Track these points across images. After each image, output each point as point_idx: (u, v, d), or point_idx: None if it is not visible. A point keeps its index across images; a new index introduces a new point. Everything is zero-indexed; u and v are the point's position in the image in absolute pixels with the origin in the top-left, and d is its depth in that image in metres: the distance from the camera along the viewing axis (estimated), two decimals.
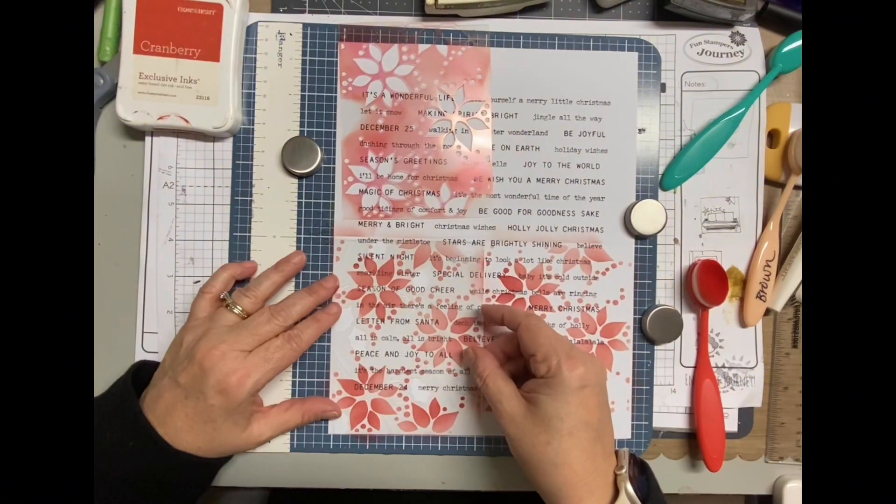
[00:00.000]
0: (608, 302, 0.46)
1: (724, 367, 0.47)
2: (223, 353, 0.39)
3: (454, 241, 0.46)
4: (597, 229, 0.47)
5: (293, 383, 0.46)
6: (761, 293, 0.46)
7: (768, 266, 0.46)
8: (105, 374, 0.44)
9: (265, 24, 0.46)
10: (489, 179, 0.46)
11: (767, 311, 0.47)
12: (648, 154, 0.47)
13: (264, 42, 0.46)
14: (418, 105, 0.46)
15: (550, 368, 0.37)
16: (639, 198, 0.46)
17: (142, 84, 0.43)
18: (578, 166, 0.47)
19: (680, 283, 0.47)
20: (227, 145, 0.46)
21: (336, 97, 0.46)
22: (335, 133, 0.46)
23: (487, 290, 0.46)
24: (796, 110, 0.47)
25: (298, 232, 0.46)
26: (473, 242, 0.46)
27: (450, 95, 0.46)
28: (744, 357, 0.47)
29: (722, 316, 0.47)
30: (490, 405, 0.40)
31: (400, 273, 0.46)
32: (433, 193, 0.46)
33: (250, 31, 0.45)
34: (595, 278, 0.46)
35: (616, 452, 0.39)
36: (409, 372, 0.46)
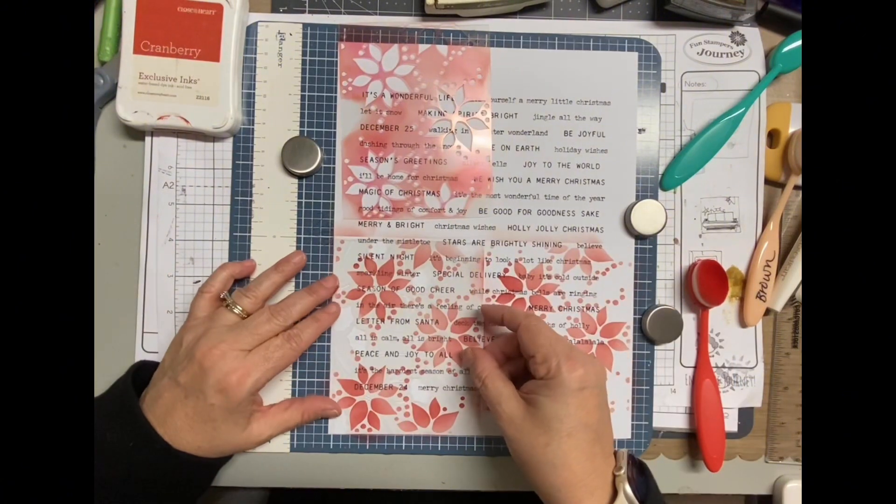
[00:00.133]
0: (608, 302, 0.46)
1: (724, 367, 0.47)
2: (223, 353, 0.39)
3: (454, 241, 0.46)
4: (597, 229, 0.47)
5: (293, 383, 0.46)
6: (761, 293, 0.46)
7: (768, 266, 0.46)
8: (105, 374, 0.44)
9: (265, 24, 0.46)
10: (489, 179, 0.46)
11: (767, 311, 0.47)
12: (648, 154, 0.47)
13: (264, 42, 0.46)
14: (418, 105, 0.46)
15: (550, 370, 0.37)
16: (639, 198, 0.46)
17: (142, 84, 0.43)
18: (578, 166, 0.47)
19: (680, 283, 0.47)
20: (227, 145, 0.46)
21: (336, 97, 0.46)
22: (335, 133, 0.46)
23: (487, 290, 0.46)
24: (796, 110, 0.47)
25: (298, 232, 0.46)
26: (473, 242, 0.46)
27: (450, 95, 0.46)
28: (744, 357, 0.47)
29: (722, 316, 0.47)
30: (489, 406, 0.40)
31: (400, 273, 0.46)
32: (433, 193, 0.46)
33: (250, 31, 0.45)
34: (595, 278, 0.46)
35: (615, 453, 0.39)
36: (409, 372, 0.46)
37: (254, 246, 0.46)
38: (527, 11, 0.47)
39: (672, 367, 0.47)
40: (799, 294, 0.46)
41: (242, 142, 0.46)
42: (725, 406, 0.46)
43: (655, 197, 0.47)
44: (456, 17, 0.46)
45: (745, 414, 0.47)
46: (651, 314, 0.46)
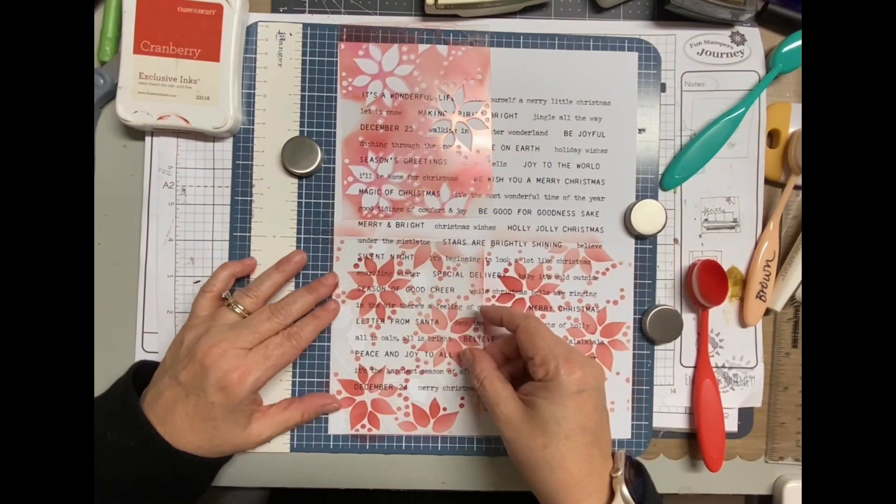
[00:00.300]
0: (608, 302, 0.46)
1: (724, 367, 0.47)
2: (224, 351, 0.39)
3: (454, 241, 0.46)
4: (597, 229, 0.47)
5: (293, 383, 0.46)
6: (761, 293, 0.46)
7: (768, 266, 0.46)
8: (105, 374, 0.44)
9: (265, 24, 0.46)
10: (489, 179, 0.46)
11: (767, 311, 0.47)
12: (648, 154, 0.47)
13: (264, 42, 0.46)
14: (418, 105, 0.46)
15: (549, 372, 0.37)
16: (639, 198, 0.46)
17: (142, 84, 0.43)
18: (578, 166, 0.47)
19: (680, 283, 0.47)
20: (227, 145, 0.46)
21: (336, 97, 0.46)
22: (335, 133, 0.46)
23: (487, 290, 0.46)
24: (796, 110, 0.47)
25: (298, 232, 0.46)
26: (473, 242, 0.46)
27: (450, 95, 0.46)
28: (744, 357, 0.47)
29: (722, 316, 0.47)
30: (487, 407, 0.40)
31: (400, 273, 0.46)
32: (433, 193, 0.46)
33: (250, 31, 0.45)
34: (595, 278, 0.46)
35: (613, 454, 0.39)
36: (409, 372, 0.46)
37: (254, 246, 0.46)
38: (527, 11, 0.47)
39: (672, 367, 0.47)
40: (799, 294, 0.46)
41: (242, 142, 0.46)
42: (725, 406, 0.46)
43: (655, 197, 0.47)
44: (456, 17, 0.46)
45: (745, 414, 0.47)
46: (651, 314, 0.46)
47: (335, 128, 0.46)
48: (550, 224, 0.46)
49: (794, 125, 0.47)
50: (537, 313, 0.46)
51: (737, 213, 0.47)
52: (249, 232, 0.46)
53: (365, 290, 0.46)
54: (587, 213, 0.47)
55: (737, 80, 0.47)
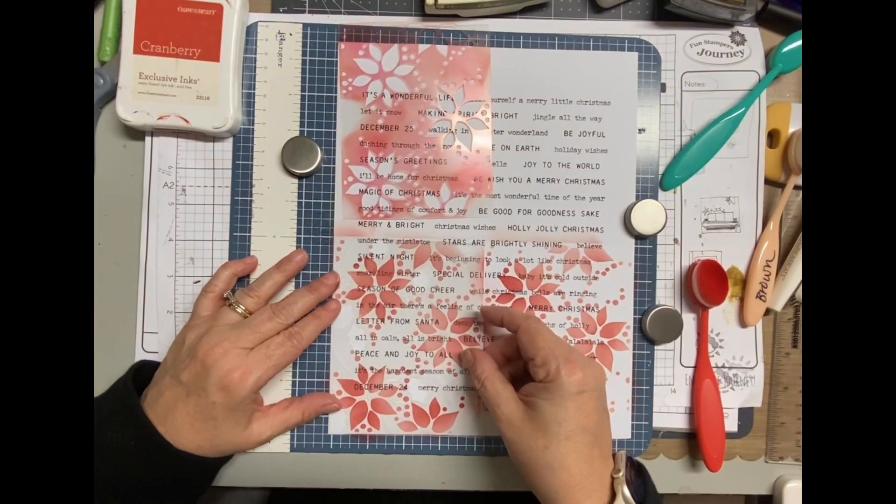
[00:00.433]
0: (608, 302, 0.46)
1: (724, 367, 0.47)
2: (225, 351, 0.39)
3: (454, 241, 0.46)
4: (597, 229, 0.47)
5: (293, 383, 0.46)
6: (761, 293, 0.46)
7: (768, 266, 0.46)
8: (105, 374, 0.44)
9: (265, 24, 0.46)
10: (489, 179, 0.46)
11: (767, 311, 0.47)
12: (648, 154, 0.47)
13: (264, 42, 0.46)
14: (418, 105, 0.46)
15: (549, 373, 0.37)
16: (639, 198, 0.46)
17: (142, 84, 0.43)
18: (578, 166, 0.47)
19: (680, 283, 0.47)
20: (227, 145, 0.46)
21: (336, 97, 0.46)
22: (335, 133, 0.46)
23: (487, 290, 0.46)
24: (796, 110, 0.47)
25: (298, 232, 0.46)
26: (473, 242, 0.46)
27: (450, 95, 0.46)
28: (744, 357, 0.47)
29: (722, 316, 0.47)
30: (488, 408, 0.40)
31: (400, 273, 0.46)
32: (433, 193, 0.46)
33: (250, 31, 0.45)
34: (595, 278, 0.46)
35: (613, 455, 0.39)
36: (409, 372, 0.46)
37: (254, 246, 0.46)
38: (527, 11, 0.47)
39: (672, 367, 0.47)
40: (799, 294, 0.46)
41: (242, 142, 0.46)
42: (725, 406, 0.46)
43: (655, 197, 0.47)
44: (456, 17, 0.46)
45: (745, 414, 0.47)
46: (651, 314, 0.46)
47: (335, 128, 0.46)
48: (550, 224, 0.46)
49: (794, 125, 0.47)
50: (537, 313, 0.46)
51: (737, 213, 0.47)
52: (249, 232, 0.46)
53: (365, 290, 0.46)
54: (587, 213, 0.47)
55: (737, 80, 0.47)
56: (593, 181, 0.47)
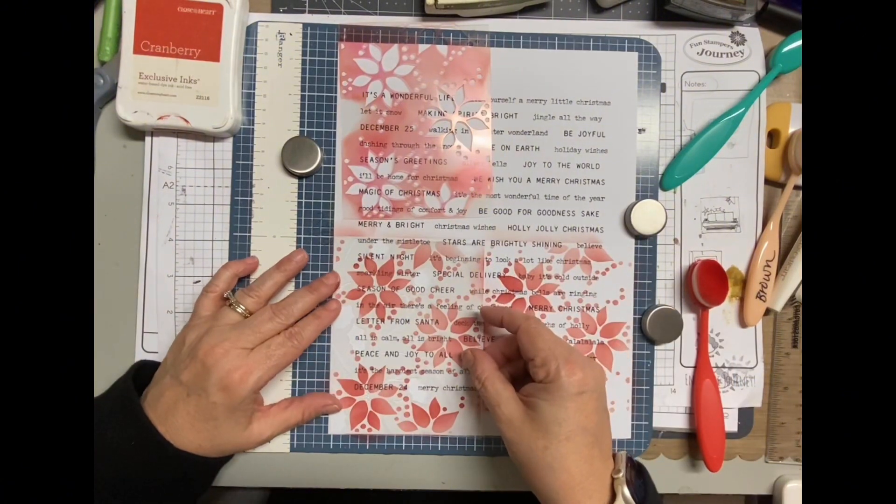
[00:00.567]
0: (608, 302, 0.46)
1: (724, 367, 0.47)
2: (226, 351, 0.39)
3: (454, 241, 0.46)
4: (597, 229, 0.47)
5: (293, 383, 0.46)
6: (761, 293, 0.46)
7: (768, 266, 0.46)
8: (105, 374, 0.44)
9: (265, 24, 0.46)
10: (489, 179, 0.46)
11: (767, 311, 0.47)
12: (648, 154, 0.47)
13: (264, 42, 0.46)
14: (418, 105, 0.46)
15: (549, 373, 0.37)
16: (639, 198, 0.46)
17: (142, 84, 0.43)
18: (578, 166, 0.47)
19: (680, 283, 0.47)
20: (227, 145, 0.46)
21: (336, 97, 0.46)
22: (335, 133, 0.46)
23: (487, 290, 0.46)
24: (796, 110, 0.47)
25: (298, 232, 0.46)
26: (473, 242, 0.46)
27: (450, 95, 0.46)
28: (744, 357, 0.47)
29: (722, 316, 0.47)
30: (488, 408, 0.40)
31: (400, 273, 0.46)
32: (433, 193, 0.46)
33: (250, 31, 0.45)
34: (595, 278, 0.46)
35: (614, 456, 0.39)
36: (409, 372, 0.46)
37: (254, 246, 0.46)
38: (527, 11, 0.47)
39: (672, 367, 0.47)
40: (799, 294, 0.46)
41: (242, 142, 0.46)
42: (725, 406, 0.46)
43: (655, 197, 0.47)
44: (456, 17, 0.46)
45: (745, 414, 0.47)
46: (651, 314, 0.46)
47: (335, 128, 0.46)
48: (550, 224, 0.46)
49: (794, 125, 0.47)
50: (537, 313, 0.46)
51: (737, 213, 0.47)
52: (249, 232, 0.46)
53: (365, 290, 0.46)
54: (587, 213, 0.47)
55: (737, 80, 0.47)
56: (593, 181, 0.47)
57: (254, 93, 0.46)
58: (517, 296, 0.46)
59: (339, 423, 0.46)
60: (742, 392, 0.47)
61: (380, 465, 0.47)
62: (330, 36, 0.46)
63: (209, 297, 0.43)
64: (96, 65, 0.45)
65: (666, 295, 0.47)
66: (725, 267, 0.46)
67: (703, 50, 0.47)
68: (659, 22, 0.47)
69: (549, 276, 0.46)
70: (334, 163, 0.46)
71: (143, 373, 0.42)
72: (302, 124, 0.46)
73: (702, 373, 0.46)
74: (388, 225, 0.46)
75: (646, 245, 0.47)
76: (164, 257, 0.46)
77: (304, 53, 0.46)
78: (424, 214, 0.46)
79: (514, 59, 0.46)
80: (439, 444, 0.46)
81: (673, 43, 0.47)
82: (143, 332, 0.46)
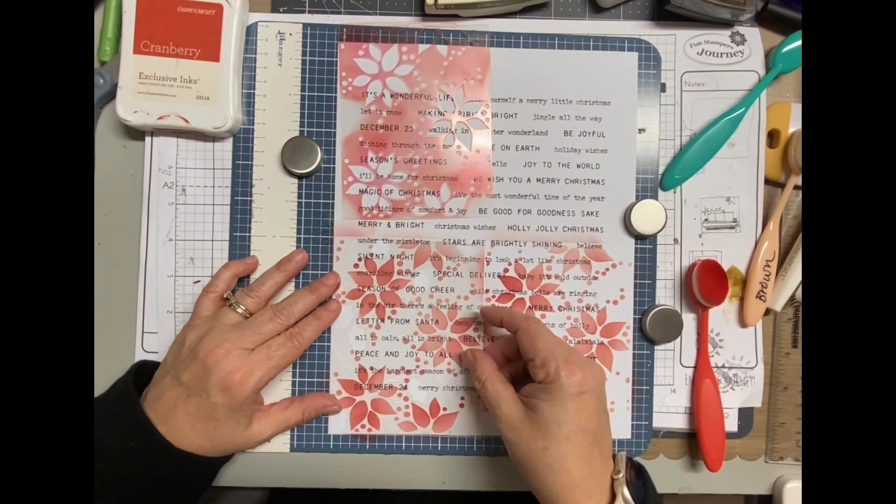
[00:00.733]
0: (608, 302, 0.46)
1: (724, 367, 0.47)
2: (227, 352, 0.39)
3: (454, 241, 0.46)
4: (597, 229, 0.47)
5: (293, 383, 0.46)
6: (761, 293, 0.46)
7: (768, 266, 0.46)
8: (105, 374, 0.44)
9: (265, 24, 0.46)
10: (489, 179, 0.46)
11: (767, 311, 0.47)
12: (648, 154, 0.47)
13: (264, 42, 0.46)
14: (418, 105, 0.46)
15: (549, 374, 0.37)
16: (639, 198, 0.46)
17: (142, 84, 0.43)
18: (578, 166, 0.47)
19: (680, 283, 0.47)
20: (227, 145, 0.46)
21: (336, 97, 0.46)
22: (335, 133, 0.46)
23: (487, 290, 0.46)
24: (796, 110, 0.47)
25: (298, 232, 0.46)
26: (473, 242, 0.46)
27: (450, 95, 0.46)
28: (744, 357, 0.47)
29: (722, 316, 0.47)
30: (488, 409, 0.40)
31: (400, 273, 0.46)
32: (433, 193, 0.46)
33: (250, 31, 0.45)
34: (595, 278, 0.46)
35: (614, 456, 0.39)
36: (409, 372, 0.46)
37: (254, 246, 0.46)
38: (527, 11, 0.47)
39: (672, 367, 0.47)
40: (799, 294, 0.46)
41: (242, 142, 0.46)
42: (725, 406, 0.46)
43: (655, 197, 0.47)
44: (456, 17, 0.46)
45: (745, 414, 0.47)
46: (651, 314, 0.46)
47: (335, 128, 0.46)
48: (550, 224, 0.46)
49: (794, 125, 0.47)
50: (537, 313, 0.46)
51: (737, 213, 0.47)
52: (249, 232, 0.46)
53: (365, 290, 0.46)
54: (587, 213, 0.47)
55: (737, 80, 0.47)
56: (593, 181, 0.47)
57: (254, 93, 0.46)
58: (517, 296, 0.46)
59: (339, 423, 0.46)
60: (742, 392, 0.47)
61: (380, 465, 0.47)
62: (330, 36, 0.46)
63: (209, 297, 0.43)
64: (96, 65, 0.45)
65: (666, 295, 0.47)
66: (725, 267, 0.46)
67: (703, 50, 0.47)
68: (659, 22, 0.47)
69: (549, 276, 0.46)
70: (334, 163, 0.46)
71: (143, 373, 0.42)
72: (302, 124, 0.46)
73: (702, 373, 0.46)
74: (388, 225, 0.46)
75: (646, 245, 0.47)
76: (164, 257, 0.46)
77: (304, 53, 0.46)
78: (424, 214, 0.46)
79: (514, 59, 0.46)
80: (439, 444, 0.46)
81: (673, 43, 0.47)
82: (143, 332, 0.46)
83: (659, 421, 0.47)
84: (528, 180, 0.46)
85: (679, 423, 0.47)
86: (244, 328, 0.40)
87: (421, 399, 0.46)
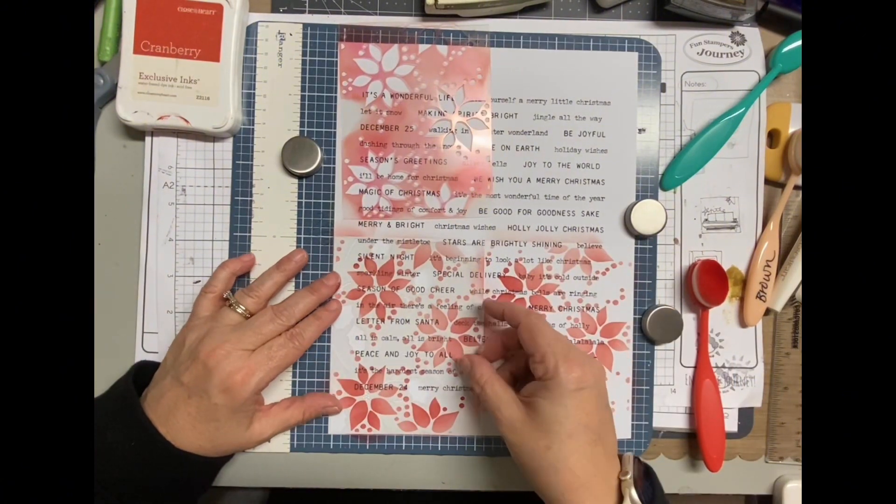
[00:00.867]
0: (608, 302, 0.46)
1: (724, 367, 0.47)
2: (227, 352, 0.39)
3: (454, 241, 0.46)
4: (597, 229, 0.47)
5: (293, 383, 0.46)
6: (761, 293, 0.46)
7: (768, 266, 0.46)
8: (105, 374, 0.44)
9: (265, 24, 0.46)
10: (489, 179, 0.46)
11: (767, 311, 0.47)
12: (648, 154, 0.47)
13: (264, 42, 0.46)
14: (418, 105, 0.46)
15: (548, 370, 0.37)
16: (639, 198, 0.46)
17: (142, 84, 0.43)
18: (578, 166, 0.47)
19: (680, 283, 0.47)
20: (227, 145, 0.46)
21: (336, 97, 0.46)
22: (335, 133, 0.46)
23: (487, 291, 0.46)
24: (796, 110, 0.47)
25: (298, 232, 0.46)
26: (473, 242, 0.46)
27: (450, 95, 0.46)
28: (744, 357, 0.47)
29: (722, 316, 0.47)
30: (489, 412, 0.39)
31: (400, 273, 0.46)
32: (433, 193, 0.46)
33: (250, 31, 0.45)
34: (595, 278, 0.46)
35: (620, 457, 0.38)
36: (409, 372, 0.46)
37: (254, 246, 0.46)
38: (527, 11, 0.47)
39: (672, 367, 0.47)
40: (799, 294, 0.46)
41: (242, 142, 0.46)
42: (725, 406, 0.46)
43: (655, 197, 0.47)
44: (456, 17, 0.46)
45: (745, 414, 0.47)
46: (651, 314, 0.46)
47: (335, 128, 0.46)
48: (550, 224, 0.46)
49: (794, 125, 0.47)
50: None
51: (737, 213, 0.47)
52: (249, 232, 0.46)
53: (365, 290, 0.46)
54: (587, 213, 0.47)
55: (737, 80, 0.47)
56: (593, 181, 0.47)
57: (254, 93, 0.46)
58: (517, 296, 0.46)
59: (339, 423, 0.46)
60: (742, 392, 0.47)
61: (380, 465, 0.47)
62: (330, 36, 0.46)
63: (208, 297, 0.43)
64: (96, 65, 0.45)
65: (666, 295, 0.47)
66: (725, 267, 0.46)
67: (703, 50, 0.47)
68: (659, 22, 0.47)
69: (549, 276, 0.46)
70: (334, 163, 0.46)
71: (143, 373, 0.42)
72: (302, 124, 0.46)
73: (702, 373, 0.46)
74: (388, 225, 0.46)
75: (646, 245, 0.47)
76: (164, 257, 0.46)
77: (304, 53, 0.46)
78: (424, 214, 0.46)
79: (514, 59, 0.46)
80: (439, 444, 0.46)
81: (673, 43, 0.47)
82: (143, 332, 0.46)
83: (659, 421, 0.47)
84: (528, 180, 0.46)
85: (679, 423, 0.47)
86: (245, 329, 0.40)
87: (421, 399, 0.46)
